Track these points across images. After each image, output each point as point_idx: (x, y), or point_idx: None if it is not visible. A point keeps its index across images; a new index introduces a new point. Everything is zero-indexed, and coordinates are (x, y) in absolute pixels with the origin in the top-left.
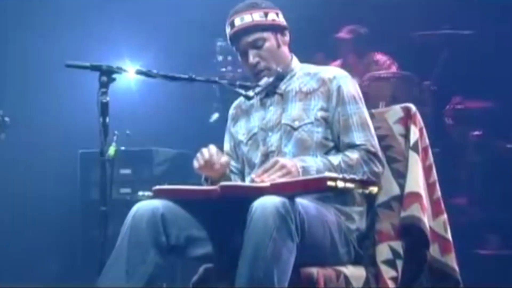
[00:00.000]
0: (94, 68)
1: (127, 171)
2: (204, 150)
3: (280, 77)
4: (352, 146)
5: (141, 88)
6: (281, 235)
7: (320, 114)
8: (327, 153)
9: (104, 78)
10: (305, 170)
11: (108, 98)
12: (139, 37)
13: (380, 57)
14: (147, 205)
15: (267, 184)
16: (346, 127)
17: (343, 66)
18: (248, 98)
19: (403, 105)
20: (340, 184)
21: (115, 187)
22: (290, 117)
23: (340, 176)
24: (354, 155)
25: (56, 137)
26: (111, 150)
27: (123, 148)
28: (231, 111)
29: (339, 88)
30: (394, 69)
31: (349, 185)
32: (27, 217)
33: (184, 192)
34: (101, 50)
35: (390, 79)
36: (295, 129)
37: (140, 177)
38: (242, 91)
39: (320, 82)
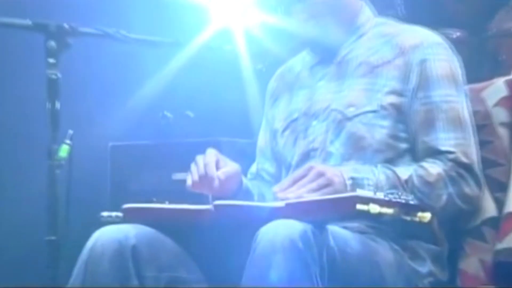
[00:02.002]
0: (38, 27)
1: (182, 175)
2: (199, 160)
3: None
4: (434, 153)
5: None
6: (295, 279)
7: (389, 99)
8: (394, 159)
9: (52, 43)
10: (356, 184)
11: (58, 74)
12: None
13: None
14: (113, 232)
15: (281, 203)
16: (428, 122)
17: None
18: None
19: (510, 77)
20: (374, 208)
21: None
22: (345, 100)
23: (381, 196)
24: (435, 168)
25: None
26: (63, 151)
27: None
28: (272, 83)
29: (423, 63)
30: None
31: (387, 210)
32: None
33: (166, 213)
34: None
35: None
36: (348, 118)
37: None
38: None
39: (396, 51)
